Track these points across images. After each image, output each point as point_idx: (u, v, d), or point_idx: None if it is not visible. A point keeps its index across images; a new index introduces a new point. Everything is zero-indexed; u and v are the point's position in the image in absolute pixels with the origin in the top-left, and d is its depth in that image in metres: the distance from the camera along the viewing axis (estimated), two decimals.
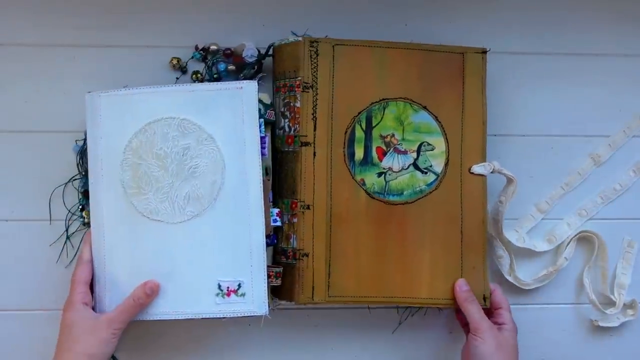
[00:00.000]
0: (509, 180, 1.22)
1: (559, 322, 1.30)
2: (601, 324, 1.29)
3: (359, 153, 1.18)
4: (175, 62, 1.25)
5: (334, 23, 1.28)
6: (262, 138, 1.16)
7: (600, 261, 1.30)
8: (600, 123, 1.31)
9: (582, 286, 1.29)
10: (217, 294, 1.14)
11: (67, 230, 1.24)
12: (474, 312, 1.16)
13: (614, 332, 1.30)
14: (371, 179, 1.18)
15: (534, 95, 1.31)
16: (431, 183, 1.19)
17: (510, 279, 1.27)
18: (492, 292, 1.20)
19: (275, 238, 1.19)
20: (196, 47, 1.26)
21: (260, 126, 1.15)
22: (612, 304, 1.29)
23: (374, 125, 1.18)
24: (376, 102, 1.19)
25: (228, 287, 1.14)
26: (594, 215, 1.30)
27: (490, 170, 1.20)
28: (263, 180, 1.15)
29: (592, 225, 1.30)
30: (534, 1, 1.31)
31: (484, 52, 1.21)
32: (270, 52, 1.23)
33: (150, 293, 1.13)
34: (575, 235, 1.28)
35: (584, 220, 1.30)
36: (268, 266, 1.15)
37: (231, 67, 1.24)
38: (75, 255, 1.23)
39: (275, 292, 1.20)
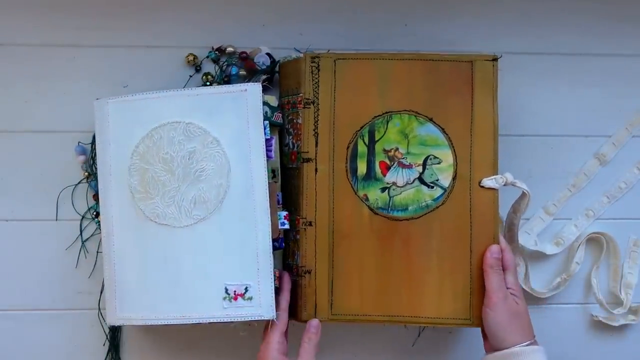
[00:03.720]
0: (523, 194, 1.19)
1: (567, 322, 1.30)
2: (602, 319, 1.29)
3: (362, 168, 1.17)
4: (191, 58, 1.26)
5: (333, 24, 1.28)
6: (267, 140, 1.15)
7: (613, 259, 1.30)
8: (600, 123, 1.30)
9: (590, 286, 1.29)
10: (224, 298, 1.13)
11: (81, 234, 1.26)
12: (493, 281, 1.13)
13: (615, 332, 1.30)
14: (374, 194, 1.16)
15: (534, 95, 1.30)
16: (438, 198, 1.17)
17: (525, 288, 1.27)
18: (502, 251, 1.16)
19: (283, 241, 1.19)
20: (212, 47, 1.26)
21: (265, 128, 1.15)
22: (619, 303, 1.29)
23: (377, 139, 1.17)
24: (379, 115, 1.17)
25: (235, 291, 1.13)
26: (600, 216, 1.30)
27: (503, 183, 1.16)
28: (269, 183, 1.14)
29: (598, 226, 1.29)
30: (534, 1, 1.30)
31: (495, 59, 1.18)
32: (277, 68, 1.23)
33: (316, 331, 1.14)
34: (585, 239, 1.28)
35: (591, 221, 1.30)
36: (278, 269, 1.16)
37: (242, 72, 1.24)
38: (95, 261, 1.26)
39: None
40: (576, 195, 1.30)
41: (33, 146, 1.26)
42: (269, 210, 1.13)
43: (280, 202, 1.19)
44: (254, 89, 1.14)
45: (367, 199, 1.17)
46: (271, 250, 1.13)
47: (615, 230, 1.29)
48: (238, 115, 1.14)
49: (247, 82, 1.23)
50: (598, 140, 1.30)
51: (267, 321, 1.13)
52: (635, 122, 1.29)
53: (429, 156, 1.17)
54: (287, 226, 1.17)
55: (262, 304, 1.13)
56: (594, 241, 1.30)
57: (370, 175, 1.17)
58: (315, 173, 1.16)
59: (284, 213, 1.17)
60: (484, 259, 1.15)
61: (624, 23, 1.30)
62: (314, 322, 1.14)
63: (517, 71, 1.28)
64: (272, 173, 1.18)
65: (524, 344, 1.11)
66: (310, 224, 1.16)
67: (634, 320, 1.28)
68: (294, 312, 1.17)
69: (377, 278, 1.16)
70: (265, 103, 1.16)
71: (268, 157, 1.15)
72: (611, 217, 1.30)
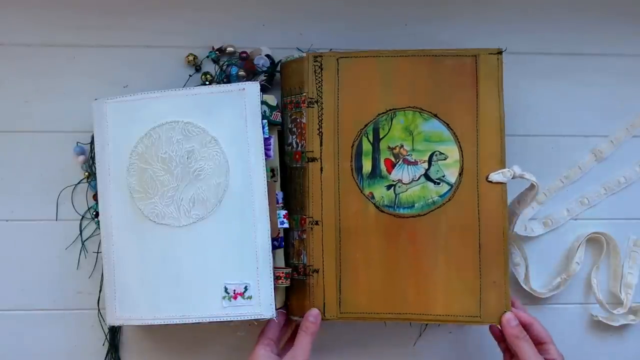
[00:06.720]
0: (531, 185, 1.18)
1: (567, 322, 1.30)
2: (602, 319, 1.29)
3: (367, 166, 1.16)
4: (191, 58, 1.26)
5: (333, 24, 1.28)
6: (266, 139, 1.15)
7: (613, 259, 1.30)
8: (601, 123, 1.31)
9: (590, 286, 1.29)
10: (224, 297, 1.13)
11: (81, 234, 1.26)
12: (527, 351, 1.10)
13: (615, 332, 1.30)
14: (380, 192, 1.16)
15: (534, 95, 1.30)
16: (444, 194, 1.16)
17: (525, 287, 1.27)
18: (531, 326, 1.14)
19: (283, 240, 1.18)
20: (212, 47, 1.26)
21: (263, 127, 1.14)
22: (619, 303, 1.29)
23: (381, 137, 1.16)
24: (383, 112, 1.16)
25: (234, 290, 1.13)
26: (595, 204, 1.30)
27: (511, 177, 1.15)
28: (269, 182, 1.14)
29: (598, 226, 1.29)
30: (535, 1, 1.30)
31: (500, 52, 1.16)
32: (278, 68, 1.23)
33: (314, 320, 1.14)
34: (585, 239, 1.28)
35: (584, 209, 1.30)
36: (277, 267, 1.15)
37: (241, 72, 1.24)
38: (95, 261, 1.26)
39: (287, 309, 1.20)
40: (570, 188, 1.30)
41: (33, 146, 1.25)
42: (268, 209, 1.13)
43: (280, 202, 1.18)
44: (252, 88, 1.14)
45: (372, 197, 1.16)
46: (270, 249, 1.13)
47: (615, 230, 1.29)
48: (236, 115, 1.14)
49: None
50: (597, 141, 1.30)
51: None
52: (636, 123, 1.30)
53: (434, 152, 1.16)
54: (286, 225, 1.17)
55: (262, 302, 1.12)
56: (594, 241, 1.30)
57: (375, 173, 1.16)
58: (321, 172, 1.16)
59: (284, 212, 1.17)
60: (505, 333, 1.13)
61: (624, 23, 1.31)
62: (314, 311, 1.14)
63: (517, 71, 1.28)
64: (272, 172, 1.18)
65: None
66: (316, 223, 1.16)
67: (634, 320, 1.28)
68: (302, 310, 1.17)
69: (385, 276, 1.15)
70: (263, 102, 1.16)
71: (267, 156, 1.15)
72: (611, 217, 1.30)
